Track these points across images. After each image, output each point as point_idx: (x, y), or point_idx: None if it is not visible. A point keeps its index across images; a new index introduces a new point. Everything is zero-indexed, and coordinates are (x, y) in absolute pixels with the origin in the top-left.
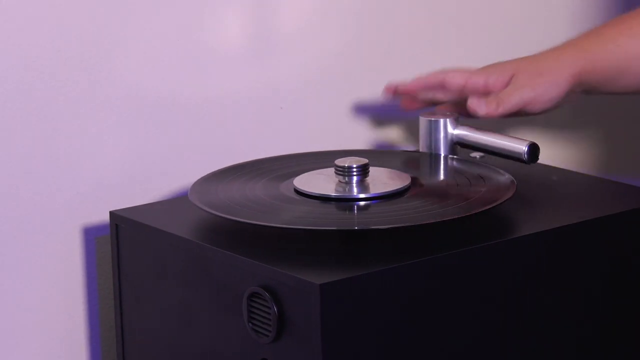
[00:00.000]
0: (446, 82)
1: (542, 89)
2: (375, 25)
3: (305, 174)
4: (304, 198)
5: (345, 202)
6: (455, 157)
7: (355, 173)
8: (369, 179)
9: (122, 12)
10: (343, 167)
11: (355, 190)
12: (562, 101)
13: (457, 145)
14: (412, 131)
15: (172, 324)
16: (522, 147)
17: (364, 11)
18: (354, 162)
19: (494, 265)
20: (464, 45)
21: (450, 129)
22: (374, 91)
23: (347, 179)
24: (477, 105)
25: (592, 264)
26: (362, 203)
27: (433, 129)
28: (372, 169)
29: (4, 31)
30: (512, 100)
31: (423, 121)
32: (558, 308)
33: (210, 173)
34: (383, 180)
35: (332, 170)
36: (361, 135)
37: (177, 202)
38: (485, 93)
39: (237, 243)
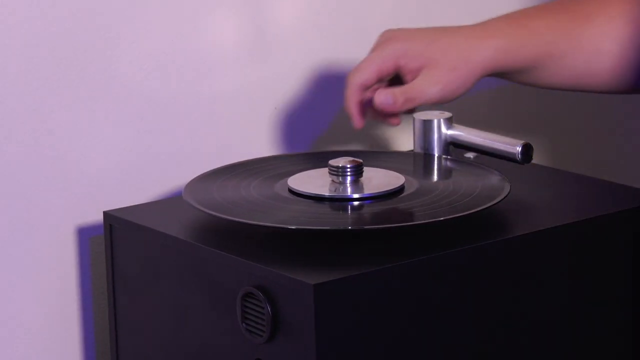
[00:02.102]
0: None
1: (453, 87)
2: (372, 26)
3: (299, 173)
4: (297, 198)
5: (339, 202)
6: (449, 157)
7: (349, 173)
8: (362, 179)
9: (119, 13)
10: (337, 167)
11: (349, 190)
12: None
13: (451, 146)
14: (406, 131)
15: (166, 323)
16: (515, 148)
17: (360, 11)
18: (347, 162)
19: (488, 266)
20: None
21: (444, 129)
22: None
23: (340, 179)
24: (384, 101)
25: (585, 264)
26: (355, 203)
27: (427, 129)
28: (366, 169)
29: (0, 31)
30: (421, 98)
31: (417, 121)
32: (552, 308)
33: (205, 173)
34: (377, 180)
35: (326, 170)
36: (355, 136)
37: (171, 202)
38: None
39: (231, 243)
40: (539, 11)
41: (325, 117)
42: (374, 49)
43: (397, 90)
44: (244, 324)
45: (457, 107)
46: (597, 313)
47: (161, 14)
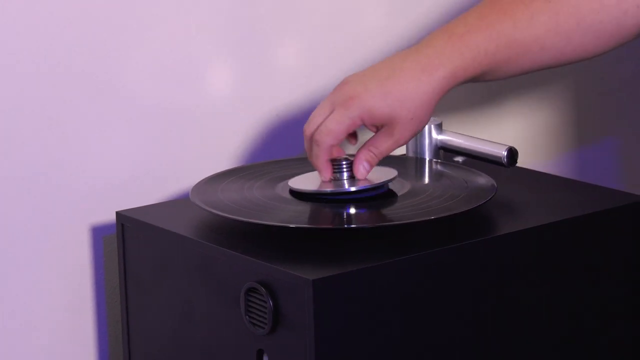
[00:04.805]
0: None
1: (415, 130)
2: (370, 28)
3: (300, 176)
4: (297, 199)
5: (337, 201)
6: (439, 161)
7: (345, 168)
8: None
9: (128, 21)
10: (336, 162)
11: (346, 184)
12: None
13: (441, 150)
14: None
15: (174, 317)
16: (501, 152)
17: (359, 12)
18: (343, 159)
19: (477, 262)
20: None
21: (435, 135)
22: None
23: (338, 175)
24: (363, 171)
25: (568, 261)
26: (352, 205)
27: (419, 135)
28: None
29: (14, 40)
30: (386, 152)
31: None
32: (538, 304)
33: (211, 175)
34: (372, 174)
35: None
36: None
37: (180, 203)
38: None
39: (235, 241)
40: (478, 18)
41: None
42: (338, 104)
43: (370, 158)
44: (247, 317)
45: (447, 114)
46: (585, 310)
47: (167, 21)
